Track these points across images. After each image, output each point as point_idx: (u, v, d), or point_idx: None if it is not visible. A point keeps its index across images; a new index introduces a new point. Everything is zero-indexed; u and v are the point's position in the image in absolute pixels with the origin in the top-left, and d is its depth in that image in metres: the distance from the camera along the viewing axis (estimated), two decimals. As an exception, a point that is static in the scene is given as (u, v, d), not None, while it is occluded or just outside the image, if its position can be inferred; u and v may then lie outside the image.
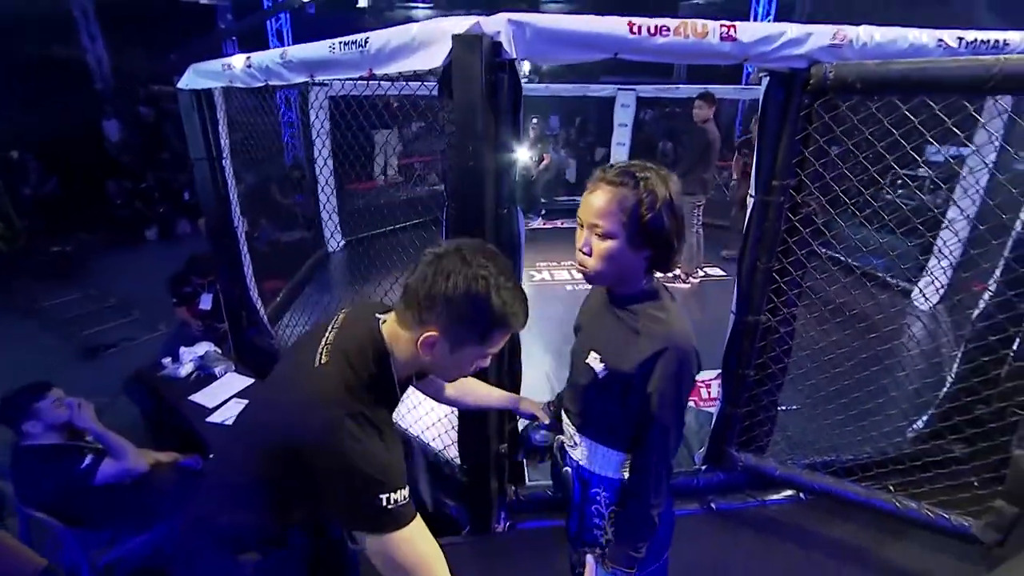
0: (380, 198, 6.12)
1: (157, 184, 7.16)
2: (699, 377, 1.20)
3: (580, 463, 1.16)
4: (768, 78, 1.69)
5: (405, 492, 0.84)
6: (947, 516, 1.82)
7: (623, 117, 6.49)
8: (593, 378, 1.05)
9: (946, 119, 1.61)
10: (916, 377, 2.45)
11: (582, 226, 1.03)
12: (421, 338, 0.87)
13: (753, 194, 1.81)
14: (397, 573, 0.85)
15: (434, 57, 1.51)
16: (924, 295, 3.55)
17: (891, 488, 2.02)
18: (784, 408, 2.31)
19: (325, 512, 0.96)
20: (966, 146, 3.18)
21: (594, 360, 1.05)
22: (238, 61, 2.43)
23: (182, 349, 2.98)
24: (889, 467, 2.13)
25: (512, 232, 1.68)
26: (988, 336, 2.01)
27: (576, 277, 4.79)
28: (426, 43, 1.53)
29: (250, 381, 2.78)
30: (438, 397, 1.28)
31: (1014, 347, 1.97)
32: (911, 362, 2.60)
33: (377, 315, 0.97)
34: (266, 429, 0.90)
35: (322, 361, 0.89)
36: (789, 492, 2.24)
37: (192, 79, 2.89)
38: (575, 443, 1.16)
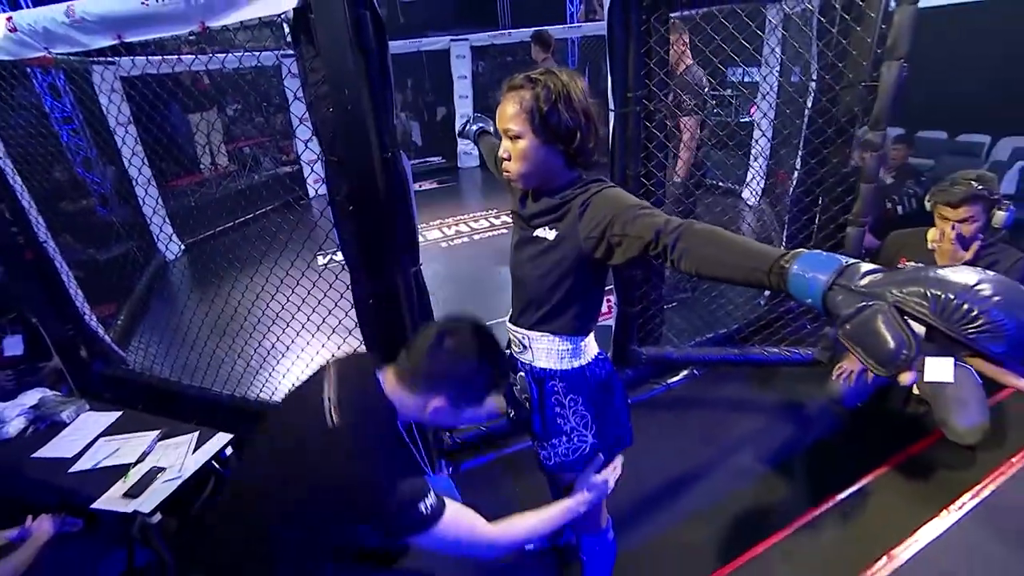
0: (214, 191, 5.51)
1: None
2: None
3: (532, 364, 1.28)
4: (609, 1, 1.89)
5: (433, 494, 1.03)
6: (797, 351, 2.36)
7: (461, 68, 6.58)
8: (544, 248, 1.15)
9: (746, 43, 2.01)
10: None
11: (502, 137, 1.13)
12: (430, 407, 1.06)
13: (612, 108, 2.05)
14: (452, 548, 1.07)
15: (284, -2, 1.45)
16: (750, 189, 4.30)
17: (756, 344, 2.54)
18: (668, 305, 2.73)
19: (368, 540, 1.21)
20: (757, 66, 3.87)
21: (544, 231, 1.15)
22: (-7, 24, 2.00)
23: (0, 406, 2.50)
24: (752, 329, 2.65)
25: (401, 175, 1.70)
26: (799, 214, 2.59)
27: (448, 233, 4.91)
28: (271, -17, 1.46)
29: (116, 415, 2.44)
30: None
31: (816, 219, 2.54)
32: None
33: (375, 371, 1.11)
34: (293, 493, 1.00)
35: (335, 421, 1.01)
36: (685, 372, 2.66)
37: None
38: (524, 346, 1.28)
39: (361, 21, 1.47)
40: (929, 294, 0.59)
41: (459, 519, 1.07)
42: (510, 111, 1.09)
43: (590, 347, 1.29)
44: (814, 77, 2.35)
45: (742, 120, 4.71)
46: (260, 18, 1.55)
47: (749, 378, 2.59)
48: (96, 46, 1.83)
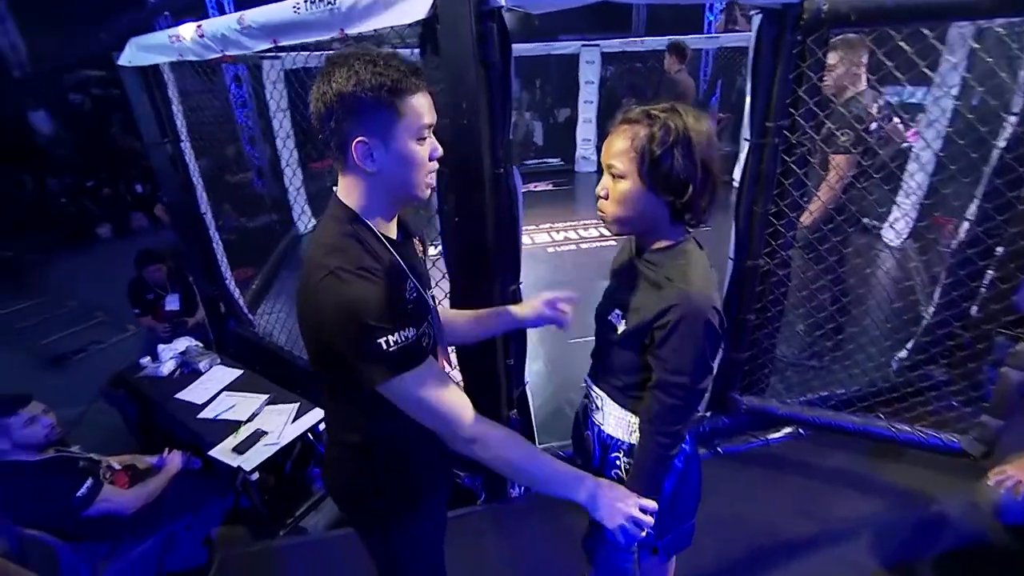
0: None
1: (107, 177, 6.69)
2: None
3: (601, 427, 1.14)
4: (760, 15, 1.64)
5: (407, 333, 0.85)
6: (938, 435, 1.92)
7: (589, 74, 6.39)
8: (615, 334, 1.03)
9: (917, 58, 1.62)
10: (894, 311, 2.54)
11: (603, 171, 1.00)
12: (353, 152, 0.85)
13: (748, 137, 1.79)
14: (420, 414, 0.90)
15: (415, 10, 1.41)
16: (894, 230, 3.67)
17: (882, 416, 2.11)
18: (783, 359, 2.39)
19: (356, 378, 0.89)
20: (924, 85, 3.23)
21: (616, 317, 1.03)
22: (187, 31, 2.24)
23: (161, 347, 2.85)
24: (880, 397, 2.22)
25: (512, 192, 1.62)
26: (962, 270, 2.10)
27: (556, 238, 4.74)
28: (405, -6, 1.43)
29: (238, 373, 2.68)
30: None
31: (985, 280, 2.05)
32: (888, 297, 2.69)
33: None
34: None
35: (305, 260, 0.91)
36: (789, 429, 2.32)
37: (135, 55, 2.67)
38: (597, 406, 1.14)
39: (486, 35, 1.40)
40: None
41: (437, 379, 0.90)
42: (618, 146, 0.93)
43: None
44: (1016, 109, 1.86)
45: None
46: (392, 27, 1.54)
47: (866, 451, 2.17)
48: (257, 49, 1.98)
